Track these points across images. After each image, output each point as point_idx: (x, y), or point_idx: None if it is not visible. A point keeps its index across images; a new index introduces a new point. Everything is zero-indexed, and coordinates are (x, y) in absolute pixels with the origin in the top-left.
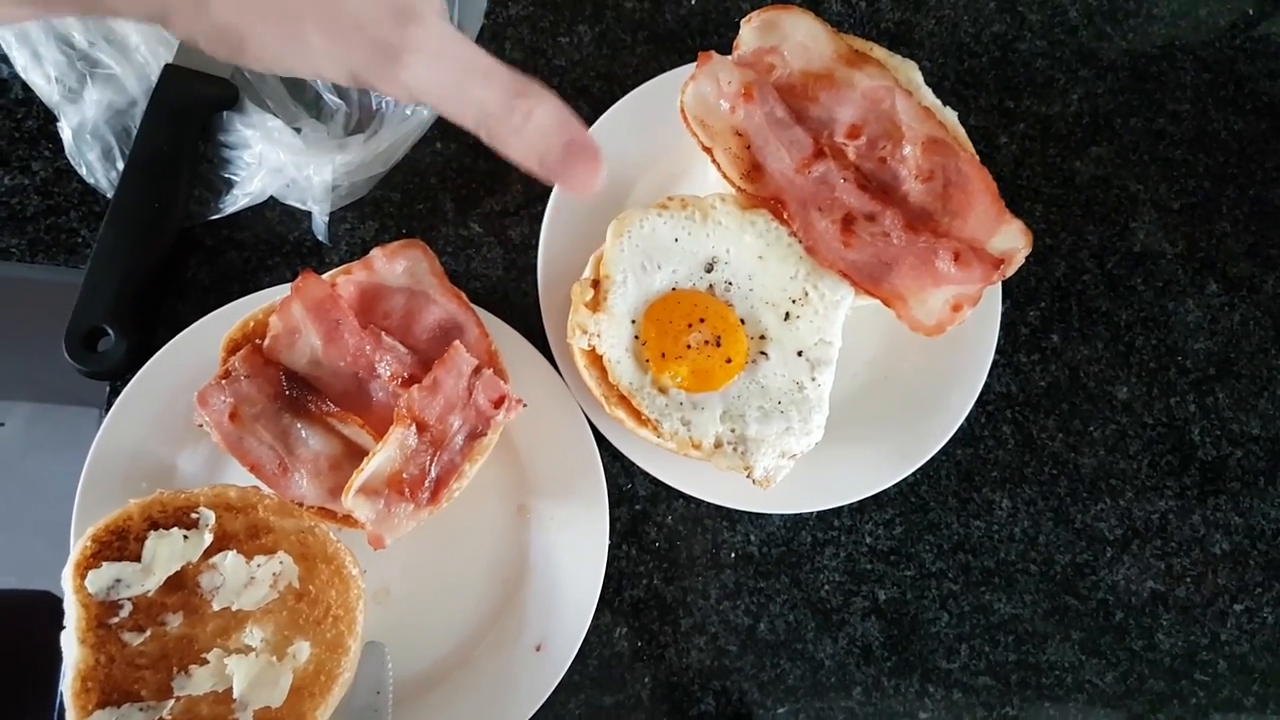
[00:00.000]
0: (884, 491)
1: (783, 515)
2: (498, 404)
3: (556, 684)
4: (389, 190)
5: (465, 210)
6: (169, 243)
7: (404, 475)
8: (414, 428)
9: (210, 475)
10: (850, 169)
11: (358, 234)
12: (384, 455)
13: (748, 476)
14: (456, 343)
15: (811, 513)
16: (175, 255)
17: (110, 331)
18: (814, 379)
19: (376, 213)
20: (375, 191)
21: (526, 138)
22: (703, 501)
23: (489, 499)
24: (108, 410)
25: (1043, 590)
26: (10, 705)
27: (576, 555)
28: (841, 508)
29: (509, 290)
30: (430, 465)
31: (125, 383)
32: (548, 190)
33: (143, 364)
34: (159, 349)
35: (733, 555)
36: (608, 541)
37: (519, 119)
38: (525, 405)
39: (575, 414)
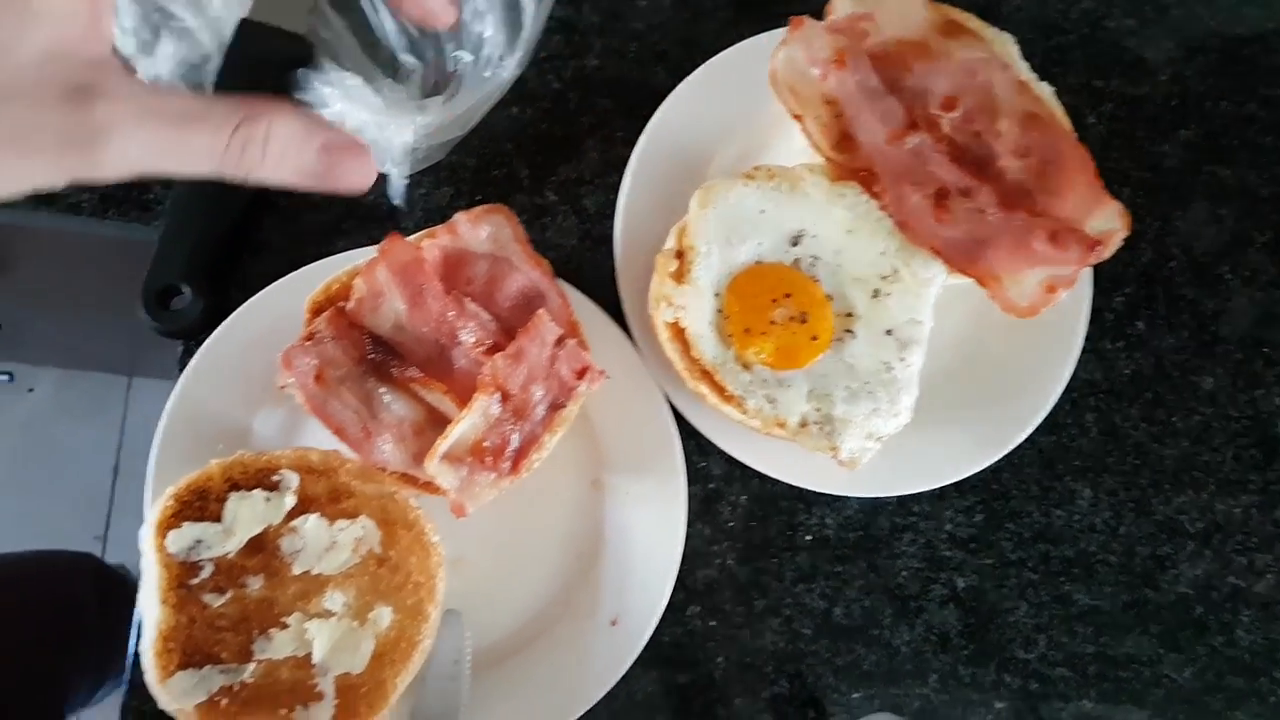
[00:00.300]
0: (965, 478)
1: (861, 499)
2: (580, 375)
3: (633, 660)
4: (464, 155)
5: (540, 177)
6: (243, 202)
7: (486, 444)
8: (497, 396)
9: (285, 438)
10: (944, 142)
11: (433, 199)
12: (468, 422)
13: (833, 457)
14: (541, 311)
15: (891, 497)
16: (249, 215)
17: (185, 289)
18: (903, 359)
19: (451, 178)
20: (450, 156)
21: (275, 163)
22: (779, 482)
23: (563, 472)
24: (180, 370)
25: (1122, 582)
26: (57, 662)
27: (652, 532)
28: (921, 493)
29: (583, 260)
30: (512, 435)
31: (199, 342)
32: (624, 159)
33: (216, 324)
34: (233, 309)
35: (809, 538)
36: (685, 520)
37: (256, 149)
38: (608, 377)
39: (651, 389)
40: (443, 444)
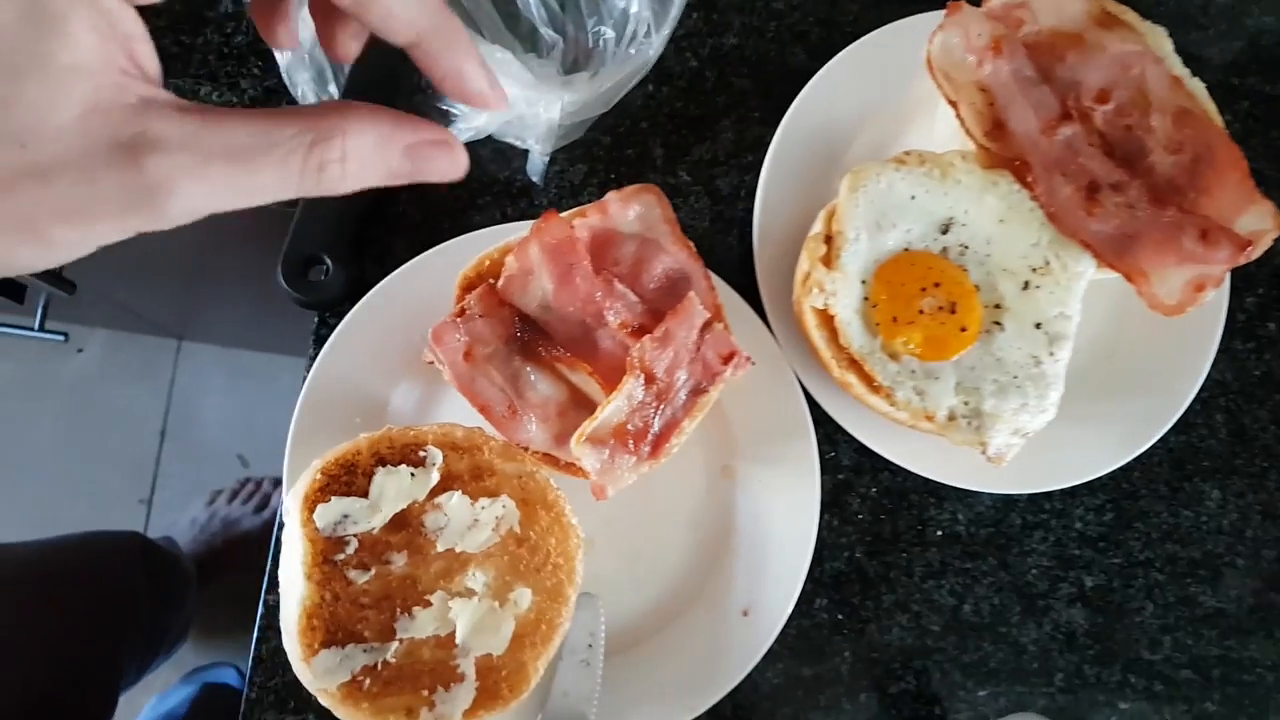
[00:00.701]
0: (1093, 478)
1: (993, 495)
2: (726, 360)
3: (765, 651)
4: (599, 133)
5: (674, 157)
6: None
7: (629, 427)
8: (642, 379)
9: (422, 414)
10: (1096, 135)
11: (567, 177)
12: (614, 405)
13: (981, 453)
14: (691, 294)
15: (1023, 494)
16: (386, 189)
17: (326, 260)
18: (1052, 354)
19: (586, 156)
20: (586, 134)
21: (357, 177)
22: (909, 475)
23: (694, 458)
24: (315, 342)
25: (1248, 585)
26: (110, 647)
27: (785, 522)
28: (1053, 491)
29: (715, 243)
30: (654, 419)
31: (336, 313)
32: (759, 139)
33: (353, 297)
34: (370, 282)
35: (939, 533)
36: (819, 510)
37: (335, 169)
38: (754, 363)
39: (787, 376)
40: (590, 424)
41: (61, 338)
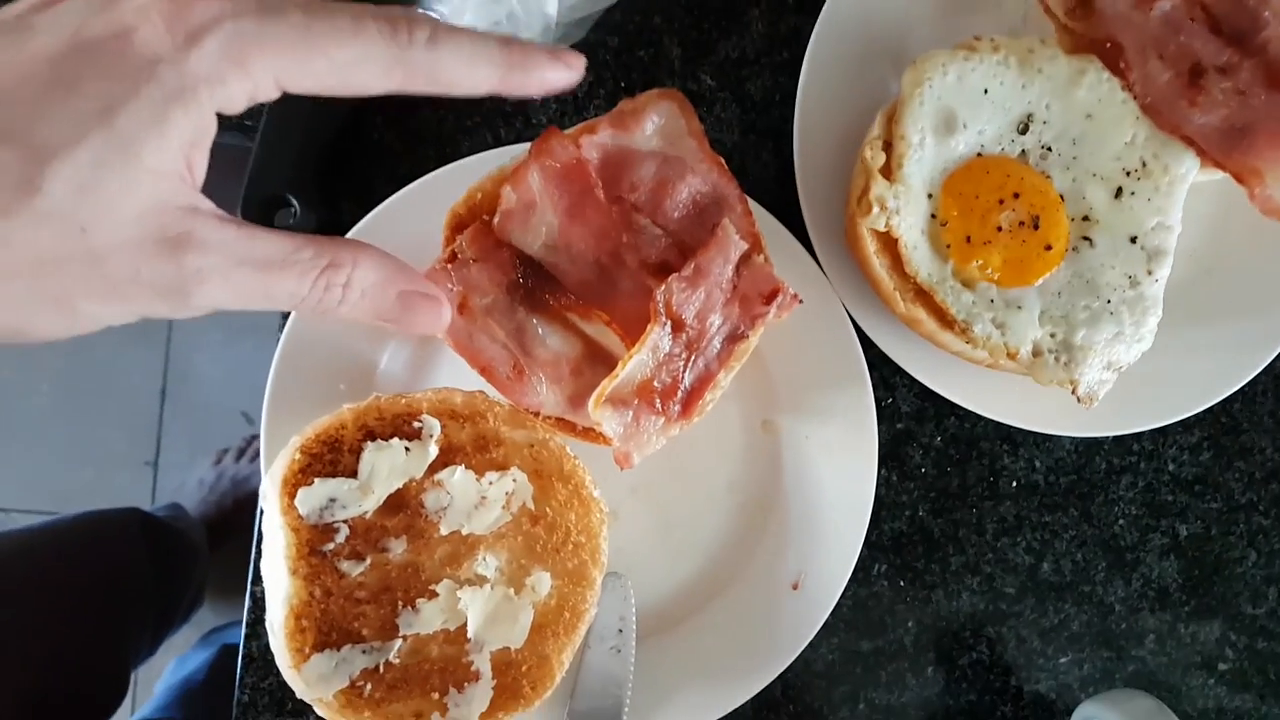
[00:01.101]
0: (1191, 414)
1: (1075, 439)
2: (769, 299)
3: (819, 627)
4: (605, 33)
5: (695, 59)
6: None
7: (655, 384)
8: (669, 327)
9: (415, 379)
10: (1199, 8)
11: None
12: (637, 359)
13: (1071, 392)
14: (726, 221)
15: (1108, 436)
16: (359, 115)
17: (293, 202)
18: (1150, 272)
19: (591, 61)
20: (590, 34)
21: (354, 307)
22: (979, 421)
23: (731, 414)
24: None
25: None
26: (118, 625)
27: (837, 481)
28: (1142, 430)
29: (747, 160)
30: (684, 373)
31: None
32: (793, 34)
33: None
34: (349, 224)
35: (1013, 484)
36: (876, 467)
37: (336, 293)
38: (801, 301)
39: (837, 313)
40: (610, 383)
41: None
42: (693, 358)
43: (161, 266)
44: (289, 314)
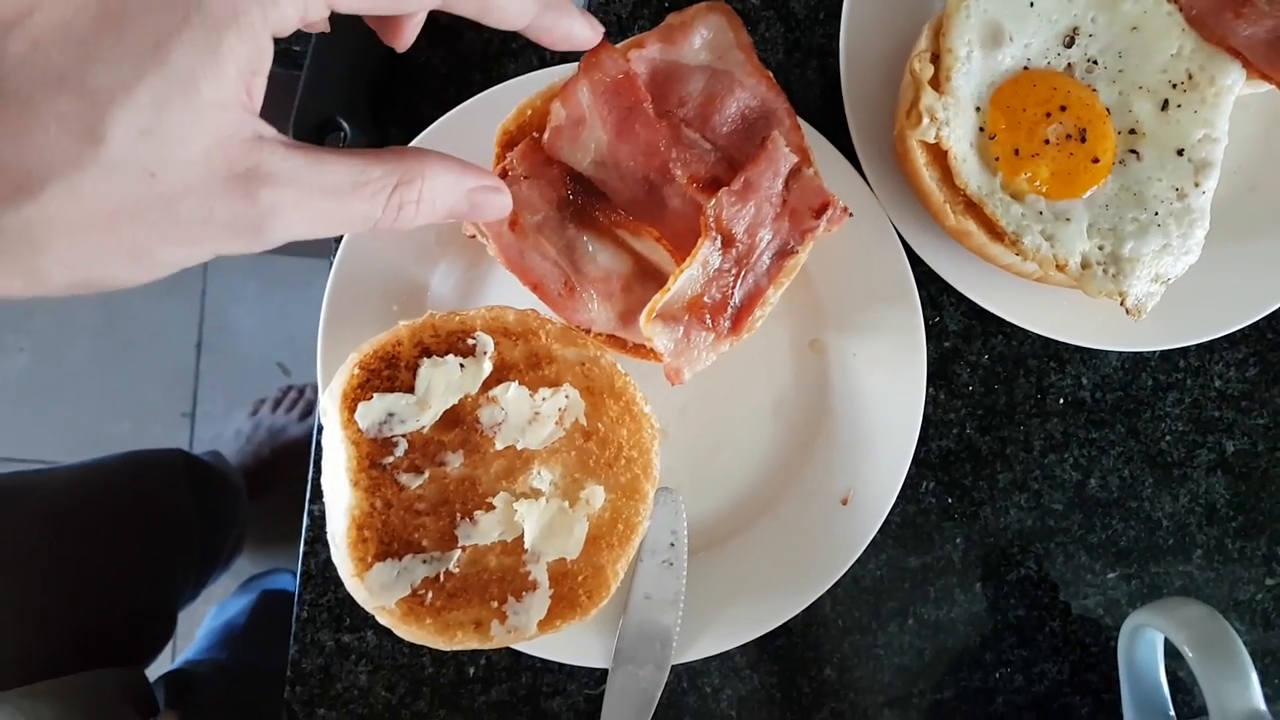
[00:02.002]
0: (1239, 328)
1: (1122, 355)
2: (819, 212)
3: (868, 543)
4: None
5: None
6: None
7: (705, 299)
8: (719, 241)
9: (466, 298)
10: None
11: (613, 8)
12: (687, 274)
13: (1120, 304)
14: (776, 133)
15: (1155, 351)
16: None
17: (343, 125)
18: (1197, 184)
19: None
20: None
21: (428, 215)
22: (1026, 338)
23: (779, 333)
24: None
25: None
26: (162, 564)
27: (885, 398)
28: (1188, 346)
29: (791, 77)
30: (734, 288)
31: None
32: None
33: None
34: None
35: (1061, 401)
36: (925, 383)
37: (411, 209)
38: (850, 215)
39: (885, 229)
40: (662, 298)
41: None
42: (742, 273)
43: (234, 204)
44: (340, 239)
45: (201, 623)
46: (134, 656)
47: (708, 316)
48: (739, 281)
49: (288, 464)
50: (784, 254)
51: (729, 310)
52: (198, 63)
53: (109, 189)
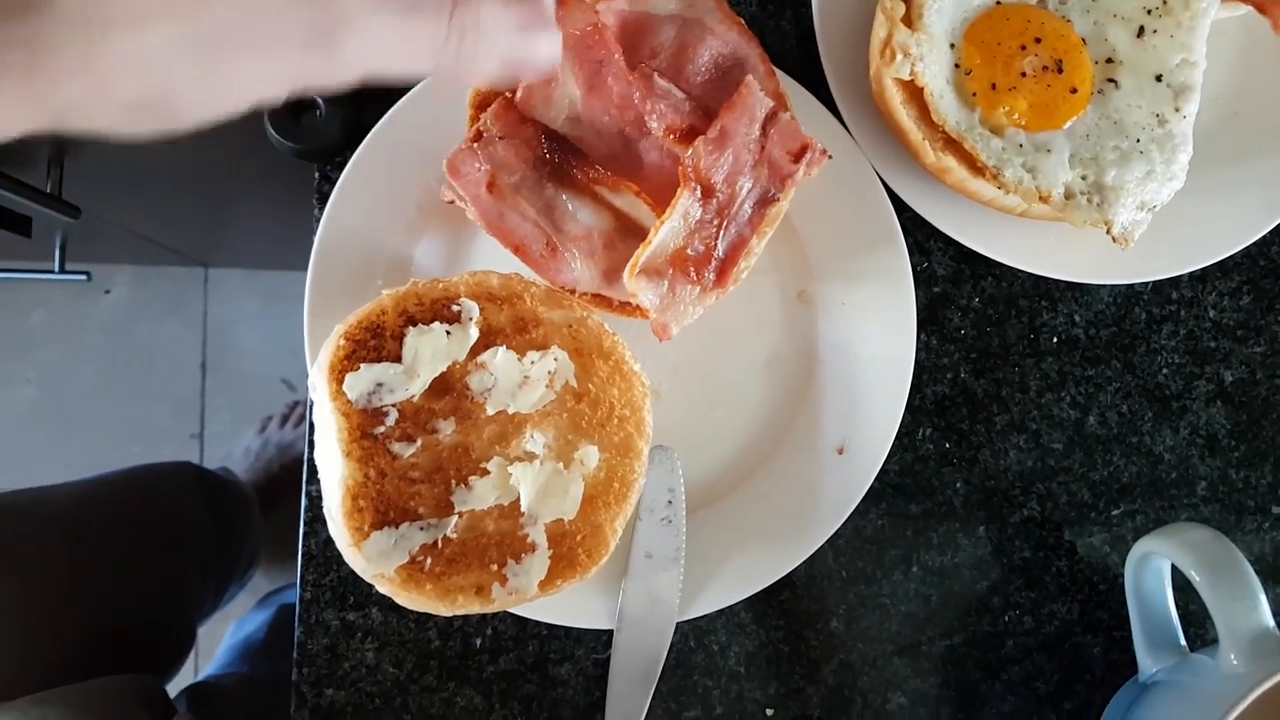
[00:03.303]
0: (1229, 254)
1: (1113, 289)
2: (798, 156)
3: (866, 490)
4: None
5: None
6: None
7: (688, 251)
8: (699, 192)
9: (452, 268)
10: None
11: None
12: (669, 226)
13: (1106, 232)
14: (749, 78)
15: (1146, 284)
16: None
17: (319, 102)
18: (1177, 109)
19: None
20: None
21: (486, 52)
22: (1015, 278)
23: (765, 285)
24: (318, 199)
25: None
26: (178, 577)
27: (876, 345)
28: (1180, 277)
29: (765, 28)
30: (717, 239)
31: (339, 163)
32: None
33: (357, 140)
34: (372, 123)
35: (1054, 340)
36: (915, 328)
37: (471, 37)
38: (830, 157)
39: (867, 175)
40: (644, 251)
41: (84, 277)
42: (724, 224)
43: (305, 7)
44: (323, 209)
45: (222, 641)
46: (150, 665)
47: (692, 269)
48: (722, 232)
49: (298, 479)
50: (765, 202)
51: (713, 262)
52: None
53: None
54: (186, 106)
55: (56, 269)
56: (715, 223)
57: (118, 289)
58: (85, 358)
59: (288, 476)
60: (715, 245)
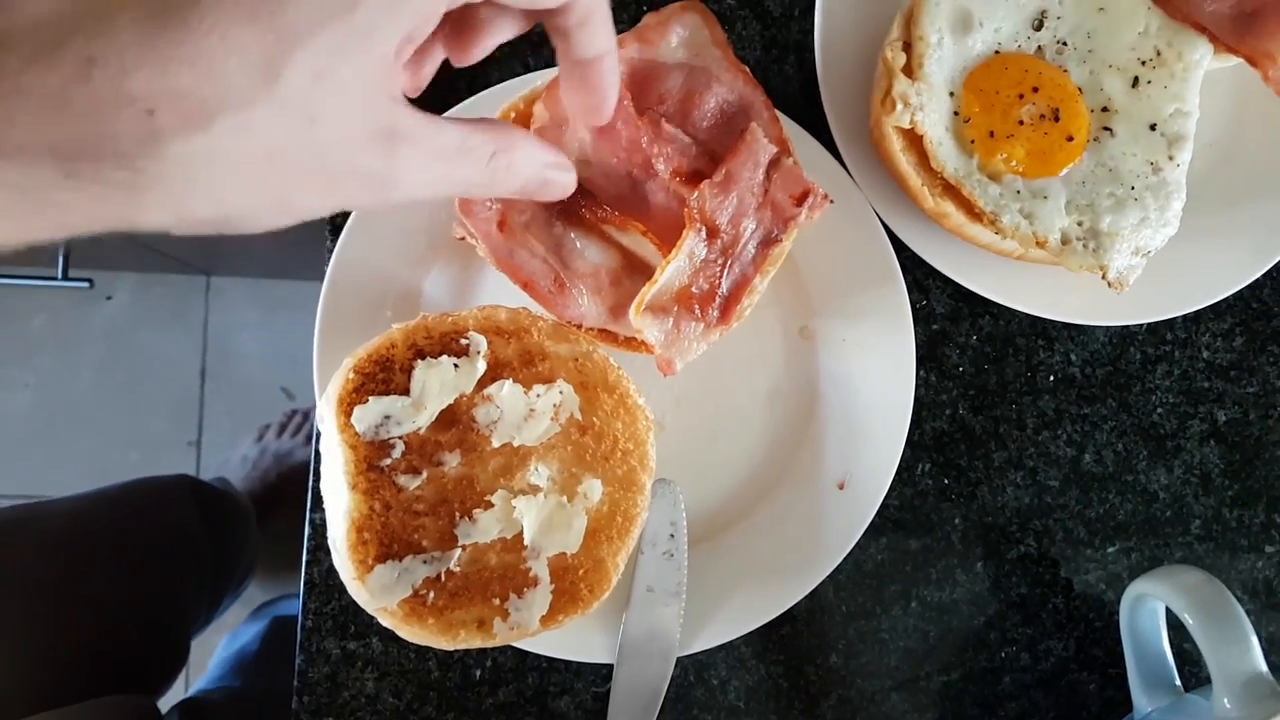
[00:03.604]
0: (1222, 299)
1: (1109, 330)
2: (800, 199)
3: (867, 525)
4: None
5: None
6: None
7: (693, 290)
8: (704, 232)
9: (460, 301)
10: None
11: None
12: (674, 265)
13: (1102, 277)
14: (754, 125)
15: (1141, 325)
16: None
17: None
18: (1171, 157)
19: None
20: None
21: (513, 184)
22: (1013, 318)
23: (768, 321)
24: (333, 235)
25: None
26: (173, 590)
27: (876, 382)
28: (1174, 319)
29: (770, 74)
30: (721, 278)
31: None
32: None
33: None
34: None
35: (1051, 378)
36: (914, 364)
37: (503, 175)
38: (831, 201)
39: (867, 216)
40: (650, 289)
41: (86, 284)
42: (728, 263)
43: (375, 158)
44: (335, 241)
45: (213, 653)
46: (144, 684)
47: (696, 307)
48: (725, 271)
49: (295, 489)
50: (768, 242)
51: (717, 300)
52: (381, 15)
53: (273, 130)
54: (249, 226)
55: (59, 275)
56: (719, 262)
57: (119, 295)
58: (85, 364)
59: (284, 486)
60: (719, 284)
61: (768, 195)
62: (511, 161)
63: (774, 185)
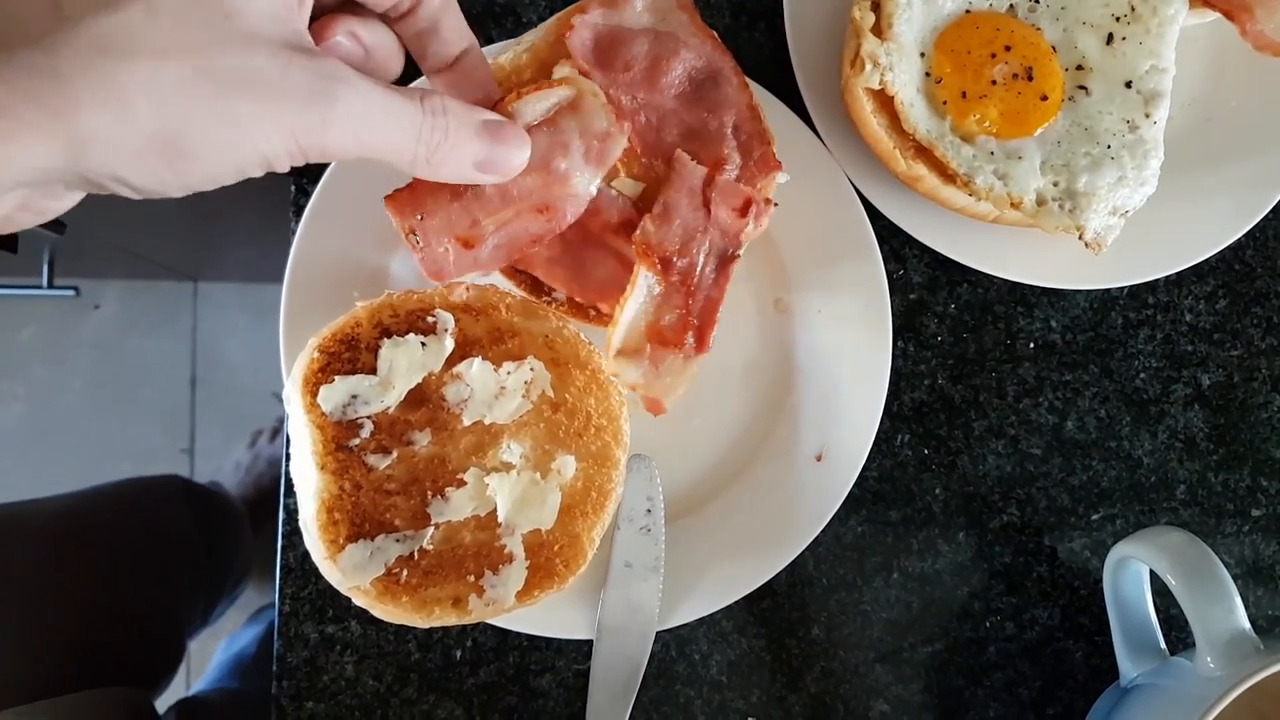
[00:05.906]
0: (1204, 259)
1: (1089, 294)
2: (743, 211)
3: (844, 496)
4: None
5: None
6: None
7: (662, 324)
8: (657, 266)
9: (425, 282)
10: None
11: None
12: (633, 304)
13: (1079, 238)
14: (679, 152)
15: (1122, 289)
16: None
17: None
18: (1148, 115)
19: None
20: None
21: (454, 148)
22: (992, 284)
23: (742, 296)
24: (294, 214)
25: None
26: (166, 590)
27: (852, 353)
28: (1156, 281)
29: (739, 40)
30: (689, 306)
31: (314, 178)
32: None
33: None
34: None
35: (1031, 345)
36: (891, 335)
37: (441, 121)
38: (776, 205)
39: (841, 185)
40: (614, 333)
41: (72, 292)
42: (691, 289)
43: (306, 69)
44: (298, 222)
45: (212, 657)
46: (138, 679)
47: (671, 340)
48: (691, 298)
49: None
50: (726, 260)
51: (690, 328)
52: None
53: (188, 15)
54: (202, 145)
55: (45, 284)
56: (681, 289)
57: (107, 304)
58: (74, 373)
59: (277, 490)
60: (690, 312)
61: (711, 214)
62: (447, 108)
63: (714, 203)
